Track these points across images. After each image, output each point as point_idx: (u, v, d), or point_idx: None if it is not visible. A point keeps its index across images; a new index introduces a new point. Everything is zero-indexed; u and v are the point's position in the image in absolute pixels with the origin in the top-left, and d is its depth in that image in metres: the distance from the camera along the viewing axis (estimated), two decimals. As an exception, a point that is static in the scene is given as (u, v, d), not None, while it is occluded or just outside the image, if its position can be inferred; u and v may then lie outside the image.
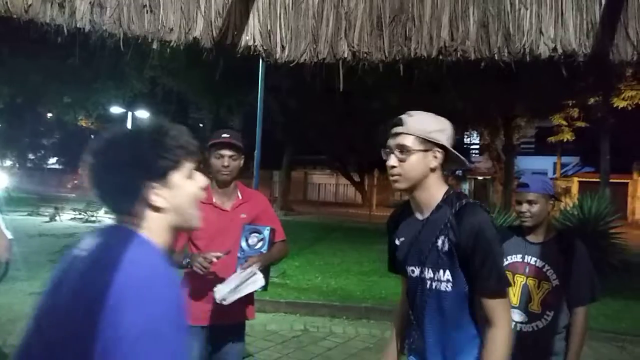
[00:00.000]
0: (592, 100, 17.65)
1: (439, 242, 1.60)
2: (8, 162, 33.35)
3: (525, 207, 2.32)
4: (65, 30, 3.53)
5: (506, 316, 1.57)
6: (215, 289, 2.29)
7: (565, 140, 23.56)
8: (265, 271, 2.43)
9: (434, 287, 1.63)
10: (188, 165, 1.16)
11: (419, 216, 1.69)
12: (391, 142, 1.65)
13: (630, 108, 17.72)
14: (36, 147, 34.01)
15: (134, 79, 14.70)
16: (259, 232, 2.44)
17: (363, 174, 27.41)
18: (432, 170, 1.64)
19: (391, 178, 1.67)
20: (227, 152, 2.50)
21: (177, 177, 1.14)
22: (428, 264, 1.63)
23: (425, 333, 1.66)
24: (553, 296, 2.29)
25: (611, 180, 17.83)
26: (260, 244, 2.43)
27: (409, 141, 1.61)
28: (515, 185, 2.45)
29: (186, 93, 17.20)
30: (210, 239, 2.46)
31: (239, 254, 2.41)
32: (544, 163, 27.31)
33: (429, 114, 1.68)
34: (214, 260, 2.30)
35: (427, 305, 1.65)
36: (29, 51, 11.02)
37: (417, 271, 1.68)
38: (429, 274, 1.64)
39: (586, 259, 2.35)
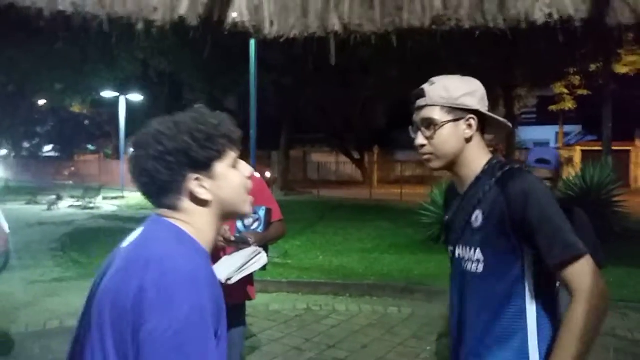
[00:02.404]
0: (593, 67, 17.45)
1: (473, 217, 1.43)
2: (4, 152, 33.27)
3: None
4: (48, 13, 3.43)
5: (585, 286, 1.29)
6: (216, 268, 2.25)
7: (567, 109, 23.39)
8: (264, 250, 2.41)
9: (467, 267, 1.45)
10: (232, 155, 1.12)
11: (460, 191, 1.53)
12: (416, 117, 1.48)
13: (631, 74, 17.51)
14: (31, 135, 33.83)
15: (125, 61, 14.55)
16: (254, 212, 2.41)
17: (363, 151, 27.28)
18: (468, 140, 1.45)
19: (423, 158, 1.50)
20: None
21: (222, 167, 1.10)
22: (461, 242, 1.47)
23: (461, 317, 1.49)
24: None
25: (614, 148, 17.74)
26: (256, 224, 2.41)
27: (435, 113, 1.44)
28: (530, 159, 2.32)
29: (179, 74, 17.01)
30: None
31: (235, 234, 2.38)
32: (546, 132, 27.18)
33: (454, 76, 1.48)
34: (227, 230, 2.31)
35: (462, 287, 1.48)
36: (16, 38, 10.87)
37: (453, 250, 1.52)
38: (462, 252, 1.47)
39: (588, 227, 2.30)
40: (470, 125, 1.44)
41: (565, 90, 22.04)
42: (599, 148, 18.17)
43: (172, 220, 1.08)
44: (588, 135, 26.57)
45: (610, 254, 2.36)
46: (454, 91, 1.43)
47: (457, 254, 1.49)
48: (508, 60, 11.85)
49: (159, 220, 1.09)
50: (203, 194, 1.08)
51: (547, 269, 1.34)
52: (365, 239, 9.42)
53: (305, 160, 29.71)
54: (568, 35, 2.92)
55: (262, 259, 2.29)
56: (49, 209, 15.29)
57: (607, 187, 8.67)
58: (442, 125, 1.43)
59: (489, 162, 1.46)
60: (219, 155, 1.09)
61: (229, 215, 1.15)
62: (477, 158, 1.47)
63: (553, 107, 23.71)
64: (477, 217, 1.41)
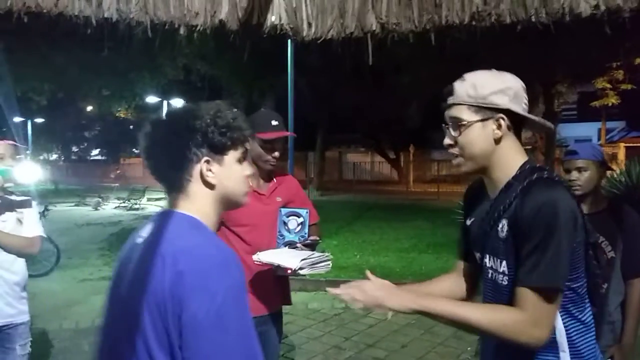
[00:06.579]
0: (638, 61, 16.72)
1: (499, 226, 1.33)
2: (54, 156, 34.76)
3: (574, 174, 2.23)
4: (94, 22, 3.57)
5: (527, 315, 1.23)
6: (290, 257, 2.11)
7: (609, 104, 22.47)
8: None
9: (492, 277, 1.38)
10: (240, 150, 1.18)
11: (491, 194, 1.42)
12: (446, 116, 1.41)
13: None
14: (79, 140, 35.31)
15: (167, 67, 14.94)
16: (298, 215, 2.35)
17: (398, 151, 27.05)
18: (498, 141, 1.36)
19: (452, 161, 1.42)
20: (279, 145, 2.38)
21: (231, 158, 1.16)
22: (487, 250, 1.39)
23: None
24: (608, 268, 2.18)
25: (660, 144, 16.96)
26: (299, 228, 2.34)
27: (461, 112, 1.36)
28: (563, 154, 2.35)
29: (219, 79, 17.35)
30: (253, 225, 2.32)
31: (277, 240, 2.32)
32: (588, 129, 26.21)
33: (488, 72, 1.38)
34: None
35: (489, 296, 1.40)
36: (64, 46, 11.32)
37: (480, 258, 1.44)
38: (489, 261, 1.39)
39: (638, 226, 2.24)
40: (499, 126, 1.34)
41: (608, 85, 21.17)
42: (646, 144, 17.41)
43: (183, 211, 1.13)
44: (632, 132, 25.48)
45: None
46: (482, 89, 1.34)
47: (485, 263, 1.42)
48: (548, 56, 11.49)
49: (170, 213, 1.14)
50: (210, 177, 1.13)
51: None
52: (403, 238, 9.34)
53: (340, 160, 29.69)
54: (614, 26, 2.82)
55: (329, 264, 2.18)
56: (95, 209, 16.00)
57: (654, 185, 8.31)
58: (469, 126, 1.35)
59: (522, 167, 1.36)
60: (232, 145, 1.15)
61: (229, 205, 1.20)
62: (510, 160, 1.37)
63: (595, 103, 22.82)
64: (503, 227, 1.32)
